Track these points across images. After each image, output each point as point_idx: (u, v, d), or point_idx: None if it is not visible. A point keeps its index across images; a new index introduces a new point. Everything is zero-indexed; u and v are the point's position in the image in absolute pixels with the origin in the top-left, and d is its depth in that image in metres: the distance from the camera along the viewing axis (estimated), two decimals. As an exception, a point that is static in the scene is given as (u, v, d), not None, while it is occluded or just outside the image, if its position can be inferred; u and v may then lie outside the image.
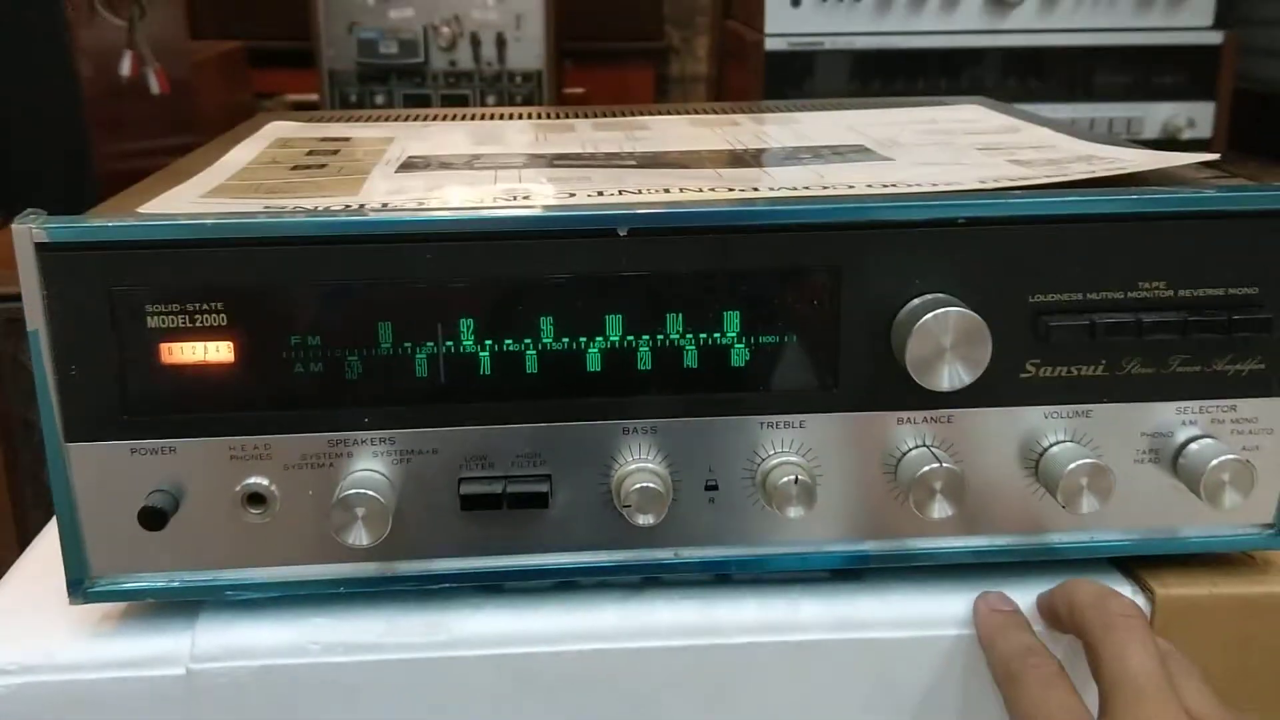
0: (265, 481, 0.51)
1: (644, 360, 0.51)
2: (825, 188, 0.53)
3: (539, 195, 0.54)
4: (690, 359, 0.51)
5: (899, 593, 0.55)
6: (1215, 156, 0.57)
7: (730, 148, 0.66)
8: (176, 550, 0.51)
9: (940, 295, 0.50)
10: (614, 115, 0.81)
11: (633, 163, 0.62)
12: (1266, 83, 1.68)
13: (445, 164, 0.63)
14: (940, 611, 0.54)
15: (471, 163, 0.63)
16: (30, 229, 0.47)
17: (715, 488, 0.53)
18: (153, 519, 0.49)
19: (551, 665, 0.53)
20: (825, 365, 0.51)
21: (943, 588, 0.55)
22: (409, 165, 0.62)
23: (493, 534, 0.53)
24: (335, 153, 0.67)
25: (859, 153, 0.63)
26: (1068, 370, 0.52)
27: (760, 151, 0.65)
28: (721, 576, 0.56)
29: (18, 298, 0.48)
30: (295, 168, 0.63)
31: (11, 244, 0.47)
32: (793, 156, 0.63)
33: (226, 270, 0.48)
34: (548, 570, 0.54)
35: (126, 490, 0.50)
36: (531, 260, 0.49)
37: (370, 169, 0.61)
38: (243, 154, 0.67)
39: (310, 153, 0.67)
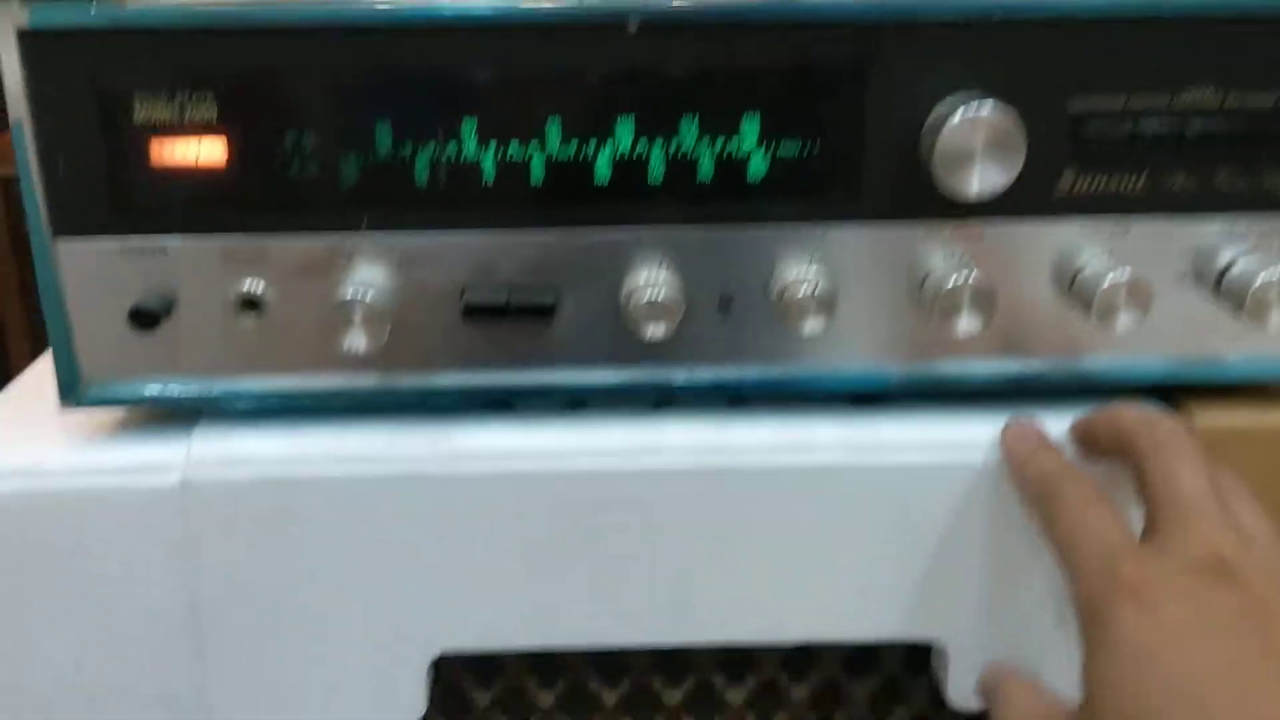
0: (260, 285, 0.49)
1: (656, 167, 0.48)
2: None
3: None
4: (705, 165, 0.48)
5: (921, 418, 0.53)
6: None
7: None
8: (170, 357, 0.50)
9: (973, 94, 0.47)
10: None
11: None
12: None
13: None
14: (964, 436, 0.52)
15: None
16: (12, 12, 0.45)
17: (730, 304, 0.50)
18: (143, 320, 0.48)
19: (558, 482, 0.51)
20: (848, 173, 0.49)
21: (967, 414, 0.53)
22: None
23: (498, 348, 0.51)
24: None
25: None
26: (1106, 182, 0.49)
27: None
28: (736, 401, 0.54)
29: None
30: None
31: None
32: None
33: (219, 59, 0.46)
34: (554, 388, 0.52)
35: (117, 291, 0.48)
36: (537, 56, 0.46)
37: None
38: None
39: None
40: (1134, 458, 0.47)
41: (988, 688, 0.51)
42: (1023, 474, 0.49)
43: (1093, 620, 0.42)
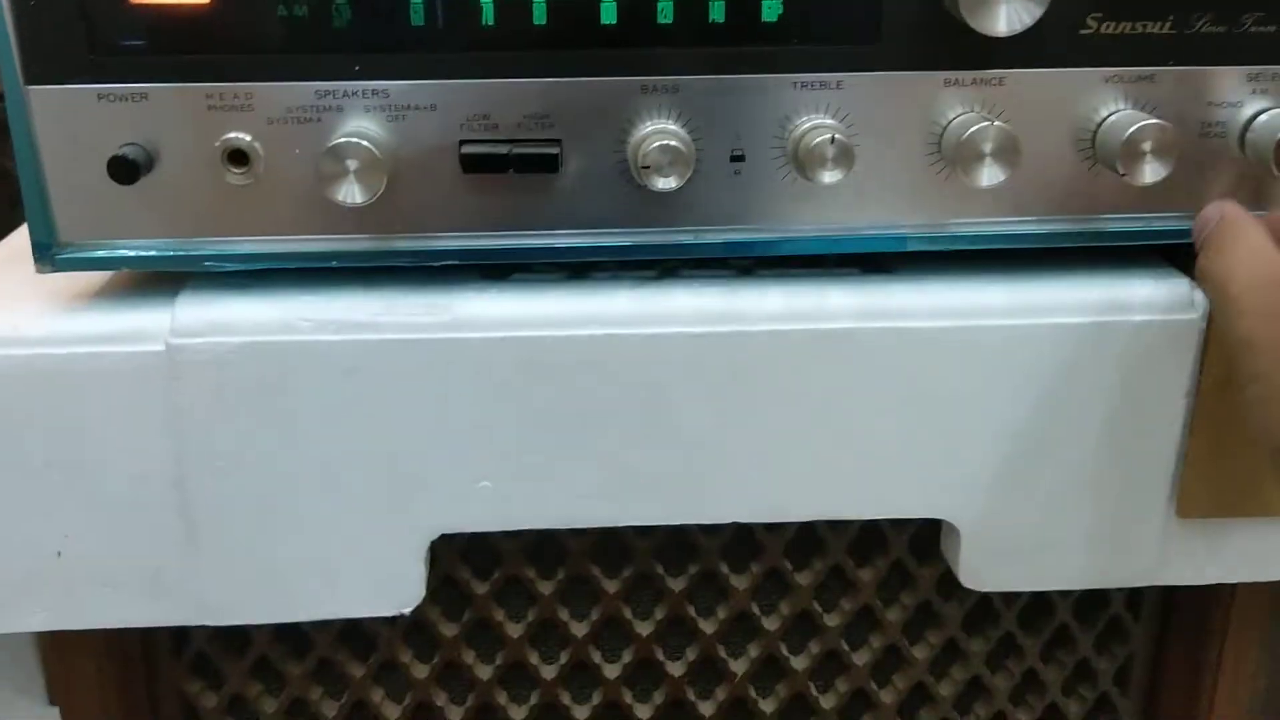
0: (247, 136, 0.46)
1: (665, 10, 0.46)
2: None
3: None
4: (716, 9, 0.46)
5: (935, 283, 0.51)
6: None
7: None
8: (153, 215, 0.47)
9: (998, -71, 0.44)
10: None
11: None
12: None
13: None
14: (979, 302, 0.50)
15: None
16: None
17: (741, 158, 0.48)
18: (123, 171, 0.45)
19: (560, 350, 0.49)
20: (866, 15, 0.46)
21: (982, 278, 0.51)
22: None
23: (498, 207, 0.48)
24: None
25: None
26: (1131, 26, 0.47)
27: None
28: (745, 270, 0.52)
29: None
30: None
31: None
32: None
33: (198, -112, 0.43)
34: (558, 249, 0.49)
35: (95, 141, 0.45)
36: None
37: None
38: None
39: None
40: None
41: (1213, 215, 0.47)
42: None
43: None
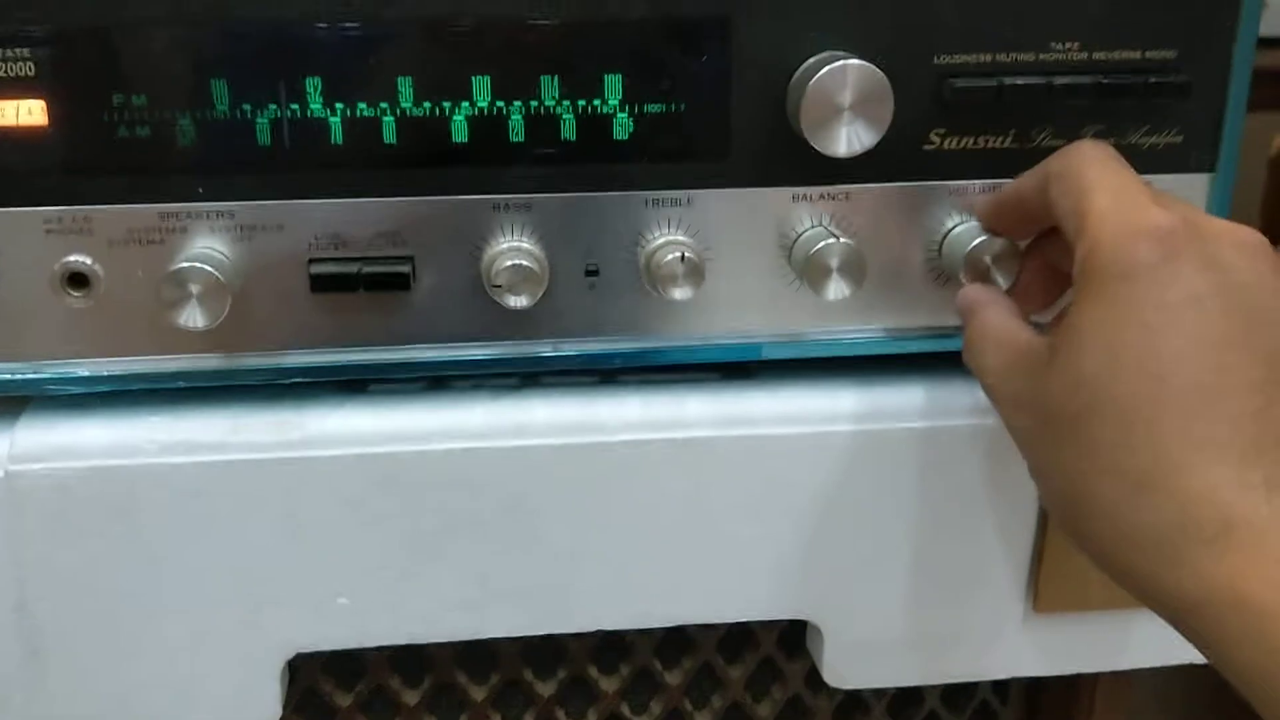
0: (88, 260, 0.45)
1: (516, 128, 0.46)
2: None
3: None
4: (567, 128, 0.46)
5: (791, 389, 0.51)
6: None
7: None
8: (-10, 339, 0.46)
9: (839, 52, 0.45)
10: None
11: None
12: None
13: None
14: (834, 407, 0.51)
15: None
16: None
17: (596, 272, 0.48)
18: (-44, 298, 0.43)
19: (416, 465, 0.48)
20: (715, 134, 0.47)
21: (836, 383, 0.52)
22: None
23: (350, 324, 0.48)
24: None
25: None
26: (974, 140, 0.48)
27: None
28: (604, 378, 0.52)
29: None
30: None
31: None
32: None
33: (34, 10, 0.42)
34: (413, 364, 0.49)
35: (-73, 267, 0.44)
36: (387, 5, 0.44)
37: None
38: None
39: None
40: (1052, 195, 0.43)
41: (963, 308, 0.47)
42: (1044, 169, 0.44)
43: (1103, 272, 0.39)
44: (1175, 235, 0.38)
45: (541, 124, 0.46)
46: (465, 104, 0.45)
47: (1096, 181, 0.41)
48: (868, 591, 0.53)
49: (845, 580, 0.53)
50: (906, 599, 0.54)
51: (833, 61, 0.44)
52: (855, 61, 0.44)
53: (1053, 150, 0.44)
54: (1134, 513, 0.38)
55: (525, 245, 0.47)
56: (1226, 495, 0.36)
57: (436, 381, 0.51)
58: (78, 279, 0.45)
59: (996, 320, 0.45)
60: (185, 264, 0.44)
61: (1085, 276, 0.39)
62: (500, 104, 0.45)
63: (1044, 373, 0.40)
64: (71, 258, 0.45)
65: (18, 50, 0.43)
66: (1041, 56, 0.47)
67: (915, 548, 0.53)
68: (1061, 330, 0.40)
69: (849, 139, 0.45)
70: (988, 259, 0.47)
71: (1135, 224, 0.39)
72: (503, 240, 0.47)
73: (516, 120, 0.46)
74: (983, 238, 0.47)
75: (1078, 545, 0.41)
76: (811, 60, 0.45)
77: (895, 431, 0.51)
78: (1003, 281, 0.47)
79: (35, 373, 0.47)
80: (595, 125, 0.46)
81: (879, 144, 0.46)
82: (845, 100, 0.44)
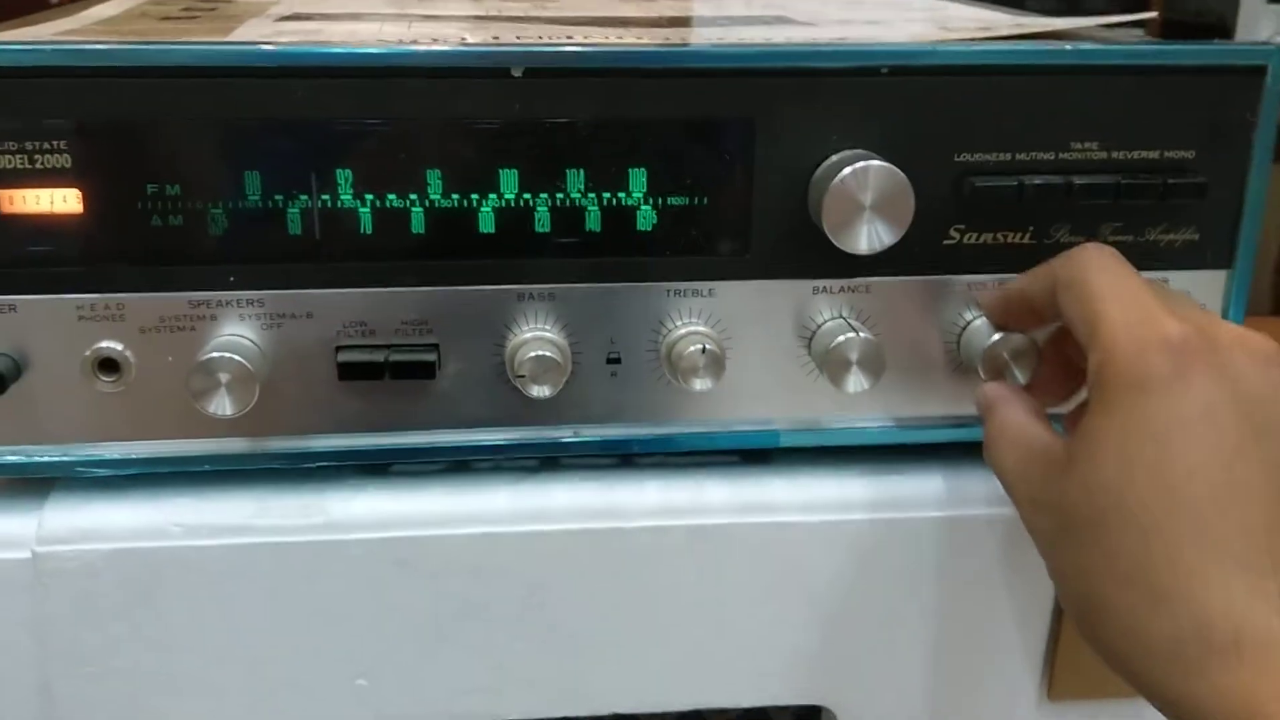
0: (119, 346, 0.46)
1: (541, 220, 0.47)
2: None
3: (427, 41, 0.49)
4: (592, 220, 0.47)
5: (810, 476, 0.52)
6: (1152, 15, 0.54)
7: (644, 14, 0.62)
8: (21, 421, 0.46)
9: (860, 151, 0.46)
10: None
11: (539, 22, 0.57)
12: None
13: (331, 18, 0.57)
14: (851, 495, 0.51)
15: (359, 17, 0.58)
16: None
17: (618, 360, 0.49)
18: (-10, 383, 0.44)
19: (438, 550, 0.49)
20: (737, 228, 0.48)
21: (856, 471, 0.52)
22: (292, 18, 0.57)
23: (375, 409, 0.48)
24: (213, 10, 0.61)
25: (778, 22, 0.59)
26: (994, 237, 0.49)
27: (672, 18, 0.61)
28: (624, 461, 0.53)
29: None
30: (166, 18, 0.57)
31: None
32: (706, 22, 0.59)
33: (71, 103, 0.43)
34: (436, 449, 0.49)
35: (-39, 352, 0.45)
36: (417, 102, 0.45)
37: (247, 21, 0.56)
38: (108, 9, 0.61)
39: (186, 9, 0.62)
40: (1061, 302, 0.43)
41: (983, 406, 0.47)
42: (1051, 273, 0.44)
43: (1117, 382, 0.39)
44: (1188, 346, 0.39)
45: (567, 216, 0.47)
46: (493, 196, 0.46)
47: (1106, 290, 0.41)
48: (883, 677, 0.54)
49: (861, 666, 0.53)
50: (922, 685, 0.54)
51: (855, 161, 0.45)
52: (877, 162, 0.45)
53: (1070, 246, 0.45)
54: (1149, 622, 0.38)
55: (549, 334, 0.47)
56: (1240, 607, 0.36)
57: (457, 463, 0.52)
58: (108, 364, 0.46)
59: (1014, 419, 0.45)
60: (215, 354, 0.44)
61: (1100, 386, 0.40)
62: (527, 196, 0.46)
63: (1061, 477, 0.41)
64: (103, 344, 0.46)
65: (55, 141, 0.43)
66: (1061, 156, 0.48)
67: (931, 634, 0.53)
68: (1078, 436, 0.41)
69: (869, 237, 0.45)
70: (1006, 355, 0.48)
71: (1147, 336, 0.39)
72: (526, 329, 0.47)
73: (542, 212, 0.46)
74: (1000, 335, 0.47)
75: (1093, 647, 0.41)
76: (834, 158, 0.46)
77: (913, 520, 0.51)
78: (1021, 378, 0.48)
79: (64, 455, 0.47)
80: (620, 217, 0.47)
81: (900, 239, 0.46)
82: (866, 200, 0.45)
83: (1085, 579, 0.40)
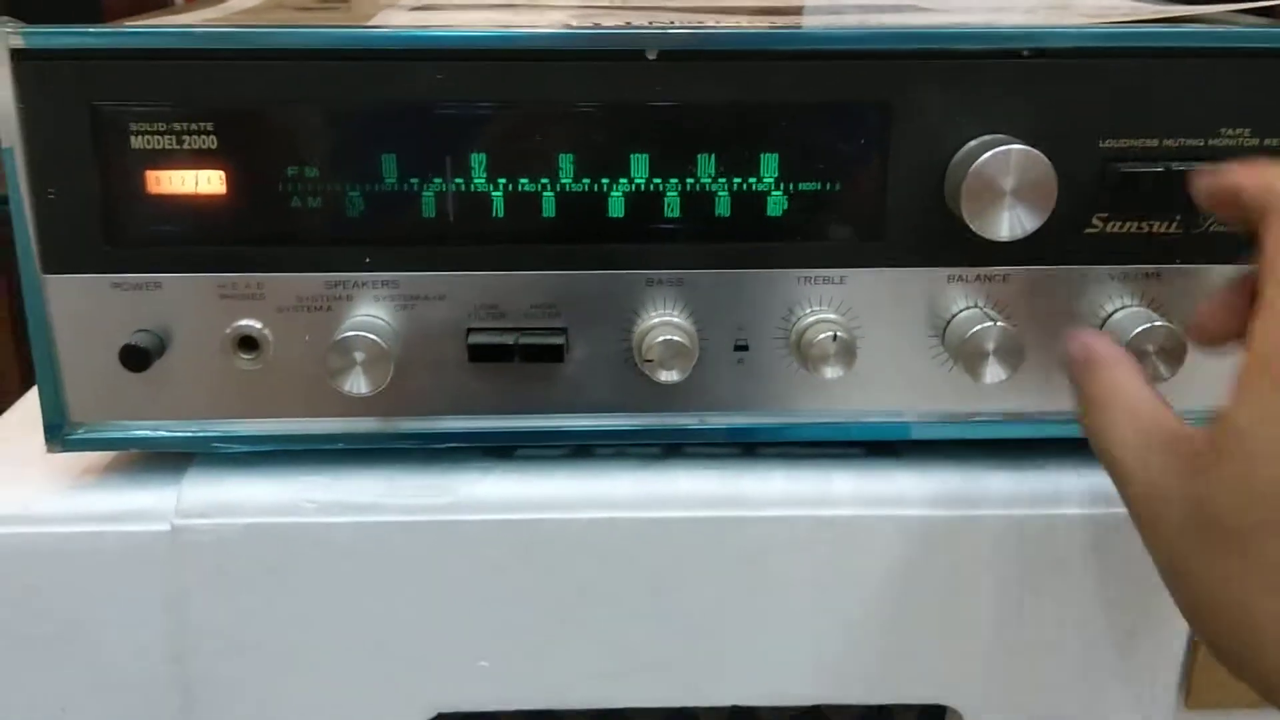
0: (258, 324, 0.47)
1: (671, 205, 0.46)
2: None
3: (561, 24, 0.49)
4: (722, 205, 0.47)
5: (938, 470, 0.51)
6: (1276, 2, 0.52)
7: (750, 3, 0.61)
8: (162, 397, 0.48)
9: (1000, 136, 0.45)
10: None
11: (671, 8, 0.57)
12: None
13: (463, 8, 0.58)
14: (981, 491, 0.50)
15: (494, 5, 0.58)
16: (7, 34, 0.43)
17: (745, 348, 0.48)
18: (135, 359, 0.45)
19: (560, 533, 0.49)
20: (871, 214, 0.47)
21: (984, 466, 0.51)
22: (425, 8, 0.58)
23: (503, 392, 0.49)
24: (347, 2, 0.63)
25: (908, 10, 0.58)
26: (1138, 225, 0.47)
27: (802, 7, 0.60)
28: (748, 450, 0.52)
29: None
30: (303, 9, 0.58)
31: None
32: (836, 10, 0.58)
33: (219, 87, 0.44)
34: (562, 433, 0.49)
35: (108, 328, 0.46)
36: (550, 85, 0.45)
37: (382, 10, 0.56)
38: (248, 1, 0.62)
39: (321, 1, 0.63)
40: (1263, 228, 0.37)
41: (1080, 358, 0.42)
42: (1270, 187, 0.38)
43: None
44: None
45: (697, 201, 0.46)
46: (623, 180, 0.46)
47: None
48: (1012, 679, 0.52)
49: (989, 666, 0.52)
50: (1053, 688, 0.52)
51: (995, 146, 0.44)
52: (1019, 146, 0.43)
53: (1220, 236, 0.43)
54: None
55: (676, 320, 0.47)
56: None
57: (581, 448, 0.52)
58: (248, 342, 0.47)
59: (1131, 387, 0.40)
60: (351, 333, 0.45)
61: (1272, 359, 0.36)
62: (657, 181, 0.46)
63: (1203, 474, 0.37)
64: (243, 322, 0.47)
65: (202, 124, 0.44)
66: (1211, 142, 0.46)
67: (1064, 636, 0.51)
68: (1228, 428, 0.36)
69: (1011, 223, 0.44)
70: (1150, 348, 0.46)
71: None
72: (654, 314, 0.47)
73: (672, 197, 0.46)
74: (1145, 326, 0.46)
75: (1218, 656, 0.38)
76: (973, 143, 0.45)
77: (1045, 518, 0.50)
78: (1167, 374, 0.46)
79: (202, 430, 0.48)
80: (749, 202, 0.46)
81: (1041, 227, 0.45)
82: (1008, 185, 0.44)
83: (1225, 585, 0.37)
